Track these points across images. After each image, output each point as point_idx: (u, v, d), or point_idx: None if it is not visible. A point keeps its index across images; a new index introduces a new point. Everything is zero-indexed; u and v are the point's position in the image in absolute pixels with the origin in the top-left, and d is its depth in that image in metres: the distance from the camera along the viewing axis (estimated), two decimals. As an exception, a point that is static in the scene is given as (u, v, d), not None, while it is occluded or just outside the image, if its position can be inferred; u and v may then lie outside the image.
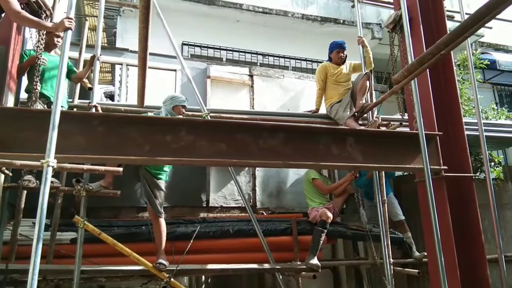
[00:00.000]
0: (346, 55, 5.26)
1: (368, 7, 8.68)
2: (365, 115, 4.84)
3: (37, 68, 3.37)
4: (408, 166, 3.36)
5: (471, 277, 3.35)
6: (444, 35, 2.57)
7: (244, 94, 6.08)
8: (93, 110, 3.86)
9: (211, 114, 4.60)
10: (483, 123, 4.47)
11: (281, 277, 4.55)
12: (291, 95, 6.26)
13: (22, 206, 3.59)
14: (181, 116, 4.03)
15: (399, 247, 4.95)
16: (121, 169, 3.31)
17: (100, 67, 4.94)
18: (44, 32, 3.48)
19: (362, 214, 4.71)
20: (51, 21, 3.63)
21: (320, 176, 4.99)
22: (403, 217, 5.02)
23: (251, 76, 6.15)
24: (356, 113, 4.83)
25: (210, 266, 4.03)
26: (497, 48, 10.61)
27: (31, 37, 3.88)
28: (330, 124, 4.96)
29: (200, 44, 8.16)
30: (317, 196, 4.86)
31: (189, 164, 4.04)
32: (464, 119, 3.84)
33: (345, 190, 4.93)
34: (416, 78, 3.33)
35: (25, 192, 3.59)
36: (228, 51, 8.33)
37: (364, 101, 4.85)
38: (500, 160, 6.59)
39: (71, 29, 2.72)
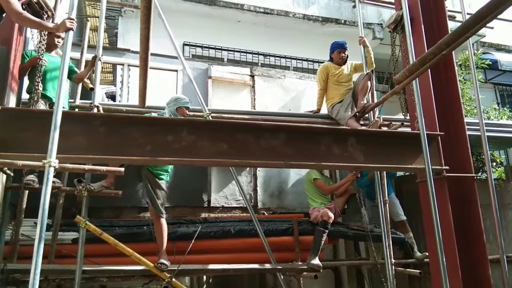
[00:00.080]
0: (347, 55, 5.26)
1: (369, 7, 8.67)
2: (367, 115, 4.83)
3: (38, 69, 3.38)
4: (409, 166, 3.35)
5: (473, 278, 3.34)
6: (446, 35, 2.57)
7: (245, 94, 6.08)
8: (95, 110, 3.87)
9: (212, 114, 4.61)
10: (485, 123, 4.47)
11: (282, 277, 4.55)
12: (292, 95, 6.26)
13: (24, 206, 3.60)
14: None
15: (400, 247, 4.94)
16: (122, 169, 3.32)
17: (102, 68, 4.94)
18: (46, 33, 3.48)
19: (364, 215, 4.70)
20: (52, 21, 3.64)
21: (322, 176, 4.99)
22: (404, 217, 5.01)
23: (252, 76, 6.15)
24: (357, 113, 4.82)
25: (211, 266, 4.03)
26: (499, 48, 10.60)
27: (32, 37, 3.89)
28: (331, 124, 4.96)
29: (201, 45, 8.16)
30: (318, 196, 4.86)
31: (191, 164, 4.05)
32: (466, 119, 3.84)
33: (347, 190, 4.92)
34: (417, 78, 3.33)
35: (26, 192, 3.60)
36: (229, 52, 8.34)
37: (365, 101, 4.85)
38: (502, 160, 6.57)
39: (73, 30, 2.73)
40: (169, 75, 5.94)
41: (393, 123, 4.66)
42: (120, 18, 7.90)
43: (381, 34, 9.08)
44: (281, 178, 5.61)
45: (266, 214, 5.26)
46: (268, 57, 8.63)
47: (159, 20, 4.75)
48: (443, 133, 3.51)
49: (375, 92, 5.22)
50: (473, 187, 3.59)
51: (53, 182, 3.01)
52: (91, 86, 4.20)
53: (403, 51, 3.93)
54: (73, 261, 3.46)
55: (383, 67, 6.84)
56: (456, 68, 3.96)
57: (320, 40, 8.29)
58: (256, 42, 8.43)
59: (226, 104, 5.67)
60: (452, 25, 4.06)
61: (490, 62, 7.96)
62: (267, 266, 4.26)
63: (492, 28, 8.50)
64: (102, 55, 4.15)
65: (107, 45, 9.60)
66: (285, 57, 8.71)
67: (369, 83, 4.87)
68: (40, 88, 3.40)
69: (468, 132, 3.71)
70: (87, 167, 3.13)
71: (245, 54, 8.41)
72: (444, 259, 3.04)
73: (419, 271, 4.49)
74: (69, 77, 3.93)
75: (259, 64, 8.25)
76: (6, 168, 3.07)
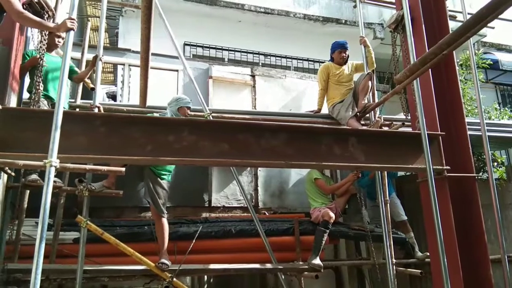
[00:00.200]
0: (348, 55, 5.26)
1: (370, 7, 8.67)
2: (367, 115, 4.83)
3: (39, 69, 3.38)
4: (410, 166, 3.35)
5: (474, 278, 3.34)
6: (446, 35, 2.56)
7: (246, 94, 6.08)
8: (96, 110, 3.87)
9: (213, 114, 4.61)
10: (486, 123, 4.46)
11: (283, 277, 4.55)
12: (293, 95, 6.26)
13: (25, 205, 3.60)
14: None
15: (401, 247, 4.94)
16: (123, 169, 3.32)
17: (102, 68, 4.94)
18: (47, 33, 3.49)
19: (364, 215, 4.70)
20: (53, 21, 3.64)
21: (323, 176, 4.99)
22: (405, 217, 5.01)
23: (253, 76, 6.15)
24: (358, 113, 4.82)
25: (212, 266, 4.04)
26: (500, 48, 10.60)
27: (33, 38, 3.89)
28: (332, 124, 4.96)
29: (202, 45, 8.17)
30: (319, 196, 4.86)
31: (192, 164, 4.05)
32: (467, 119, 3.83)
33: (348, 190, 4.92)
34: (418, 78, 3.33)
35: (27, 192, 3.61)
36: (230, 51, 8.34)
37: (366, 101, 4.85)
38: (503, 160, 6.57)
39: (73, 30, 2.73)
40: (170, 75, 5.94)
41: (394, 123, 4.66)
42: (120, 18, 7.92)
43: (382, 34, 9.09)
44: (282, 178, 5.61)
45: (267, 214, 5.26)
46: (268, 57, 8.63)
47: (160, 20, 4.75)
48: (444, 133, 3.51)
49: (376, 92, 5.21)
50: (474, 187, 3.58)
51: (54, 181, 3.01)
52: (92, 86, 4.21)
53: (404, 51, 3.93)
54: (74, 261, 3.46)
55: (384, 67, 6.84)
56: (457, 68, 3.95)
57: (320, 40, 8.29)
58: (256, 42, 8.44)
59: (226, 104, 5.67)
60: (453, 25, 4.05)
61: (491, 62, 7.95)
62: (268, 266, 4.26)
63: (493, 28, 8.51)
64: (103, 55, 4.15)
65: (108, 45, 9.60)
66: (285, 57, 8.71)
67: (370, 83, 4.87)
68: (41, 88, 3.40)
69: (469, 132, 3.71)
70: (88, 167, 3.14)
71: (245, 54, 8.42)
72: (445, 259, 3.04)
73: (420, 271, 4.49)
74: (70, 77, 3.93)
75: (260, 64, 8.26)
76: (7, 168, 3.07)
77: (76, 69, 4.21)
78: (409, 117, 4.10)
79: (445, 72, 3.83)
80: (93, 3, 9.69)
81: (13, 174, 3.25)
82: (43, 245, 2.10)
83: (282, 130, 3.11)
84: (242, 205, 5.16)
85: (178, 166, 4.27)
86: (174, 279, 3.70)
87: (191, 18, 7.90)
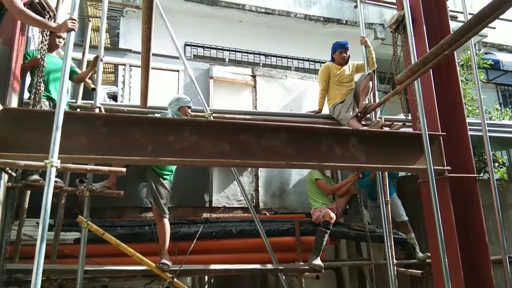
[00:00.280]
0: (349, 56, 5.25)
1: (371, 7, 8.68)
2: (368, 115, 4.83)
3: (40, 69, 3.38)
4: (411, 166, 3.35)
5: (475, 278, 3.34)
6: (447, 35, 2.56)
7: (247, 94, 6.08)
8: (97, 111, 3.87)
9: (214, 115, 4.61)
10: (487, 123, 4.45)
11: (284, 277, 4.55)
12: (294, 96, 6.26)
13: (26, 206, 3.60)
14: (186, 117, 4.05)
15: (402, 248, 4.94)
16: (124, 169, 3.32)
17: (103, 68, 4.95)
18: (48, 33, 3.49)
19: (364, 215, 4.69)
20: (54, 22, 3.64)
21: (323, 177, 4.98)
22: (406, 218, 5.01)
23: (253, 76, 6.15)
24: (359, 114, 4.82)
25: (213, 267, 4.03)
26: (501, 48, 10.59)
27: (33, 38, 3.89)
28: (333, 125, 4.95)
29: (202, 45, 8.17)
30: (320, 196, 4.85)
31: (192, 165, 4.05)
32: (468, 120, 3.83)
33: (348, 191, 4.91)
34: (419, 79, 3.32)
35: (28, 192, 3.61)
36: (230, 52, 8.35)
37: (367, 102, 4.84)
38: (504, 161, 6.56)
39: (74, 31, 2.73)
40: (170, 75, 5.94)
41: (394, 123, 4.65)
42: (121, 19, 7.92)
43: (382, 34, 9.08)
44: (283, 178, 5.61)
45: (268, 214, 5.25)
46: (269, 57, 8.63)
47: (161, 21, 4.76)
48: (445, 133, 3.51)
49: (376, 92, 5.20)
50: (475, 187, 3.58)
51: (55, 182, 3.01)
52: (93, 86, 4.21)
53: (405, 51, 3.92)
54: (75, 261, 3.46)
55: (385, 67, 6.83)
56: (458, 68, 3.95)
57: (321, 40, 8.29)
58: (257, 42, 8.44)
59: (227, 104, 5.67)
60: (454, 25, 4.05)
61: (492, 62, 7.95)
62: (269, 266, 4.25)
63: (494, 28, 8.49)
64: (103, 56, 4.15)
65: (109, 45, 9.62)
66: (286, 57, 8.71)
67: (370, 83, 4.86)
68: (42, 88, 3.40)
69: (470, 133, 3.71)
70: (89, 167, 3.14)
71: (246, 54, 8.42)
72: (446, 260, 3.04)
73: (421, 271, 4.49)
74: (70, 77, 3.93)
75: (261, 64, 8.26)
76: (8, 168, 3.08)
77: (77, 69, 4.21)
78: (409, 118, 4.09)
79: (446, 72, 3.83)
80: (94, 3, 9.70)
81: (14, 174, 3.25)
82: (44, 246, 2.11)
83: (282, 130, 3.11)
84: (243, 205, 5.16)
85: (179, 167, 4.27)
86: (175, 279, 3.70)
87: (192, 19, 7.90)
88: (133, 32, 7.31)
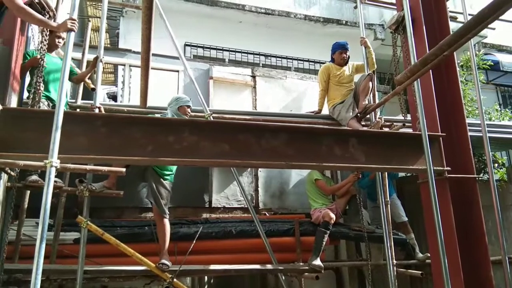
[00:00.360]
0: (348, 56, 5.26)
1: (370, 8, 8.69)
2: (368, 116, 4.83)
3: (39, 69, 3.38)
4: (411, 167, 3.35)
5: (475, 279, 3.33)
6: (447, 36, 2.56)
7: (247, 95, 6.08)
8: (97, 111, 3.87)
9: (213, 115, 4.61)
10: (487, 124, 4.45)
11: (283, 277, 4.54)
12: (294, 96, 6.26)
13: (26, 206, 3.60)
14: (186, 117, 4.05)
15: (402, 248, 4.94)
16: (124, 169, 3.32)
17: (103, 68, 4.94)
18: (47, 33, 3.49)
19: (364, 215, 4.69)
20: (54, 22, 3.64)
21: (323, 177, 4.98)
22: (406, 218, 5.01)
23: (253, 77, 6.15)
24: (358, 114, 4.82)
25: (212, 267, 4.03)
26: (500, 49, 10.60)
27: (33, 38, 3.89)
28: (332, 125, 4.95)
29: (202, 45, 8.17)
30: (319, 197, 4.85)
31: (192, 165, 4.05)
32: (467, 120, 3.83)
33: (348, 191, 4.91)
34: (419, 79, 3.32)
35: (28, 192, 3.60)
36: (230, 52, 8.35)
37: (366, 102, 4.84)
38: (504, 162, 6.56)
39: (74, 31, 2.72)
40: (170, 76, 5.94)
41: (394, 124, 4.65)
42: (121, 19, 7.92)
43: (382, 35, 9.09)
44: (283, 178, 5.61)
45: (268, 214, 5.25)
46: (269, 57, 8.64)
47: (161, 21, 4.76)
48: (444, 134, 3.51)
49: (376, 92, 5.21)
50: (475, 188, 3.58)
51: (55, 182, 3.01)
52: (92, 86, 4.21)
53: (405, 52, 3.93)
54: (75, 261, 3.46)
55: (385, 67, 6.83)
56: (457, 69, 3.95)
57: (321, 41, 8.29)
58: (257, 43, 8.44)
59: (227, 105, 5.67)
60: (453, 26, 4.05)
61: (492, 63, 7.96)
62: (269, 266, 4.25)
63: (494, 29, 8.50)
64: (103, 56, 4.15)
65: (109, 45, 9.62)
66: (286, 58, 8.71)
67: (370, 83, 4.86)
68: (42, 89, 3.40)
69: (469, 133, 3.71)
70: (88, 167, 3.13)
71: (246, 54, 8.42)
72: (446, 260, 3.04)
73: (420, 272, 4.48)
74: (69, 78, 3.93)
75: (261, 65, 8.26)
76: (7, 168, 3.07)
77: (77, 69, 4.21)
78: (408, 118, 4.09)
79: (445, 73, 3.83)
80: (94, 3, 9.70)
81: (13, 174, 3.25)
82: (43, 246, 2.10)
83: (282, 130, 3.11)
84: (243, 205, 5.16)
85: (178, 167, 4.27)
86: (175, 279, 3.69)
87: (192, 19, 7.90)
88: (133, 32, 7.31)
